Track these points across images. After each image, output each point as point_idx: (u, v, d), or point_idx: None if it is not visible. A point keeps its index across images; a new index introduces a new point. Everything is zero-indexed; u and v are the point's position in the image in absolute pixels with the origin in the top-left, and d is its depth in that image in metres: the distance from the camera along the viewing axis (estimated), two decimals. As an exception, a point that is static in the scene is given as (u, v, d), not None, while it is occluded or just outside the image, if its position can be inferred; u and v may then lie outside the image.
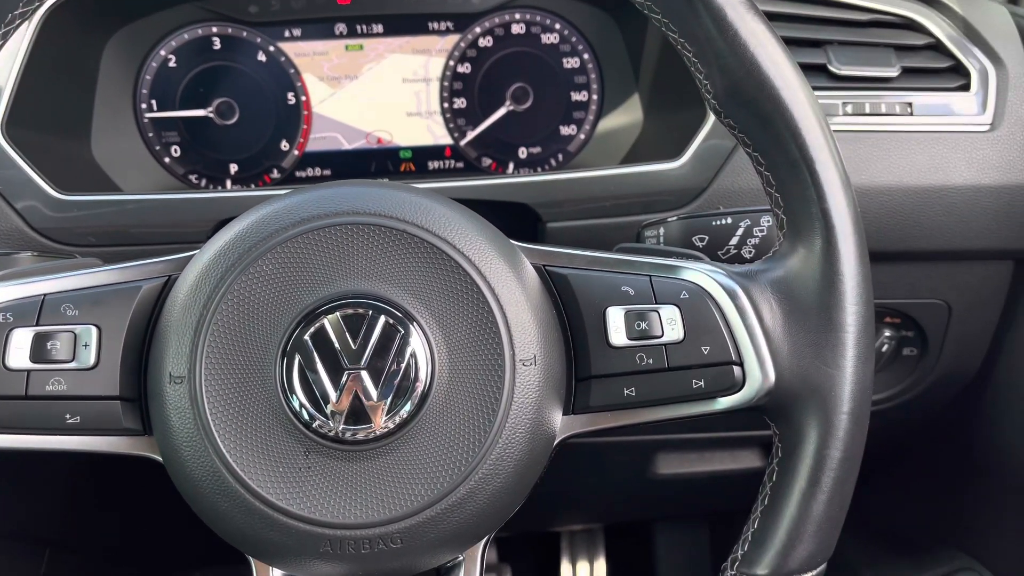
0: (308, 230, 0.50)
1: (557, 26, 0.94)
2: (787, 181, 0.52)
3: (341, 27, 0.92)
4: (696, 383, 0.52)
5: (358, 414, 0.49)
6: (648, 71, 0.91)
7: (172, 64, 0.90)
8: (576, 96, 0.96)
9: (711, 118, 0.80)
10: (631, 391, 0.53)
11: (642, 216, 0.80)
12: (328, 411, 0.49)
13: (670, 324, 0.52)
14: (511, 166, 0.97)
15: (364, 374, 0.49)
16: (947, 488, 1.08)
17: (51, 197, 0.77)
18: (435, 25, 0.93)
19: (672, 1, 0.50)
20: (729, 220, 0.66)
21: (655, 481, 1.08)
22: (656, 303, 0.53)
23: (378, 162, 0.95)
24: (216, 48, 0.91)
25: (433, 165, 0.96)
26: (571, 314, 0.54)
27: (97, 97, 0.87)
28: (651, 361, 0.52)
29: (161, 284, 0.54)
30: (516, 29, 0.94)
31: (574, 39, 0.95)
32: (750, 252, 0.65)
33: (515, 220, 0.82)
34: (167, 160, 0.92)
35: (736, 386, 0.52)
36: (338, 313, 0.49)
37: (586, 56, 0.95)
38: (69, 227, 0.78)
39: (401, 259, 0.51)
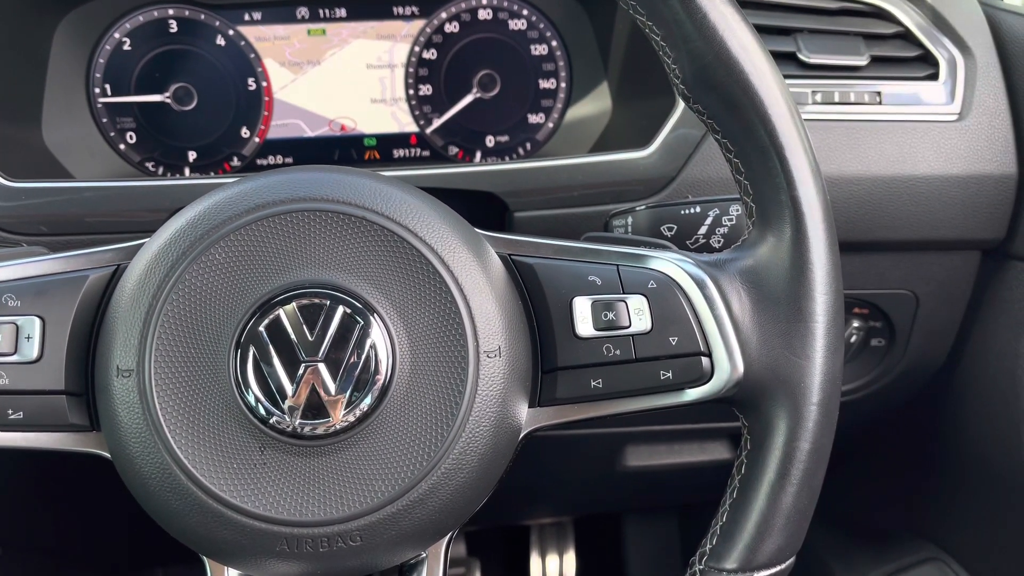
0: (263, 217, 0.49)
1: (525, 12, 0.92)
2: (756, 168, 0.51)
3: (303, 11, 0.89)
4: (664, 374, 0.51)
5: (315, 408, 0.47)
6: (617, 59, 0.90)
7: (127, 47, 0.87)
8: (544, 84, 0.94)
9: (680, 107, 0.79)
10: (598, 383, 0.52)
11: (611, 205, 0.79)
12: (284, 405, 0.47)
13: (637, 314, 0.51)
14: (478, 154, 0.95)
15: (322, 367, 0.47)
16: (914, 478, 1.08)
17: (-2, 184, 0.74)
18: (400, 10, 0.91)
19: None
20: (698, 209, 0.65)
21: (624, 473, 1.08)
22: (623, 293, 0.52)
23: (342, 150, 0.93)
24: (173, 31, 0.88)
25: (398, 153, 0.94)
26: (537, 304, 0.53)
27: (48, 81, 0.84)
28: (618, 352, 0.51)
29: (109, 274, 0.51)
30: (483, 15, 0.92)
31: (542, 25, 0.93)
32: (719, 241, 0.64)
33: (482, 209, 0.81)
34: (122, 147, 0.89)
35: (704, 377, 0.51)
36: (294, 303, 0.48)
37: (554, 43, 0.94)
38: (18, 216, 0.75)
39: (361, 247, 0.49)
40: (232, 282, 0.48)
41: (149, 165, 0.90)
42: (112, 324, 0.49)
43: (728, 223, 0.64)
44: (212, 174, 0.91)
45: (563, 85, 0.94)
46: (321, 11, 0.90)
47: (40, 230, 0.76)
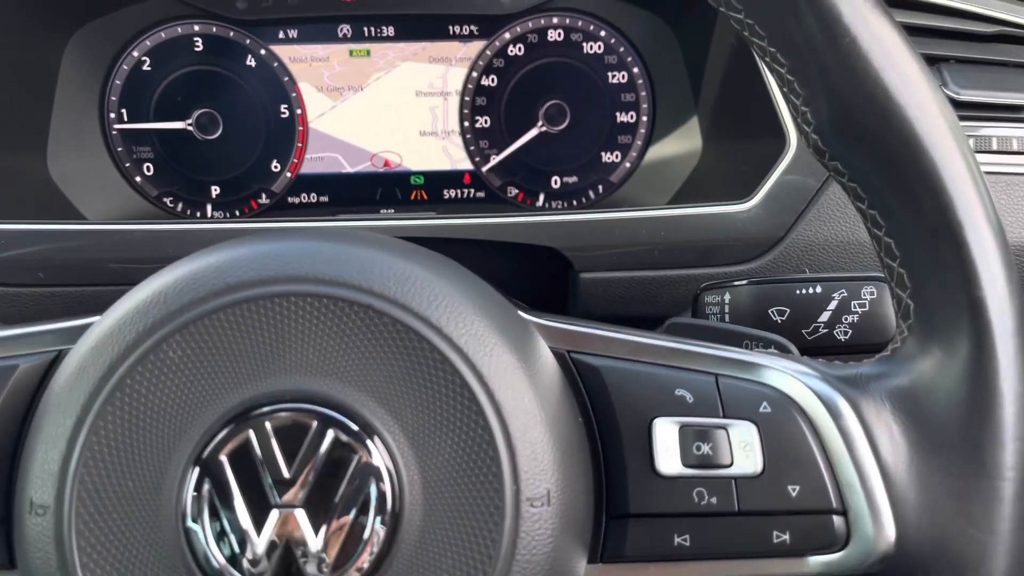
0: (233, 303, 0.36)
1: (602, 33, 0.79)
2: (919, 253, 0.37)
3: (345, 29, 0.78)
4: (778, 536, 0.37)
5: (290, 568, 0.34)
6: (711, 89, 0.76)
7: (146, 67, 0.77)
8: (622, 117, 0.81)
9: (791, 149, 0.64)
10: (684, 539, 0.38)
11: (699, 270, 0.65)
12: (246, 565, 0.34)
13: (743, 449, 0.38)
14: (541, 198, 0.82)
15: (300, 514, 0.34)
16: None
17: (-24, 225, 0.64)
18: (457, 29, 0.78)
19: None
20: (818, 289, 0.50)
21: None
22: (724, 416, 0.38)
23: (384, 188, 0.81)
24: (198, 50, 0.77)
25: (449, 194, 0.82)
26: (604, 426, 0.40)
27: (56, 104, 0.74)
28: (714, 500, 0.38)
29: (46, 362, 0.40)
30: (553, 36, 0.79)
31: (622, 49, 0.79)
32: (846, 332, 0.50)
33: (542, 266, 0.68)
34: (138, 179, 0.79)
35: (837, 543, 0.37)
36: (268, 422, 0.35)
37: (635, 70, 0.80)
38: (3, 262, 0.64)
39: (362, 347, 0.36)
40: (187, 390, 0.35)
41: (167, 201, 0.80)
42: (33, 439, 0.37)
43: (859, 309, 0.50)
44: (237, 213, 0.80)
45: (644, 119, 0.81)
46: (366, 29, 0.78)
47: (36, 279, 0.66)
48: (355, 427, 0.35)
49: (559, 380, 0.39)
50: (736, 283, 0.53)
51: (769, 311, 0.51)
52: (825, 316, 0.50)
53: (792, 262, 0.63)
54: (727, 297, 0.53)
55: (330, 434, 0.35)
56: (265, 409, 0.35)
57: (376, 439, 0.35)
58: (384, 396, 0.36)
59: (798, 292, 0.50)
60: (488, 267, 0.76)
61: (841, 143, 0.37)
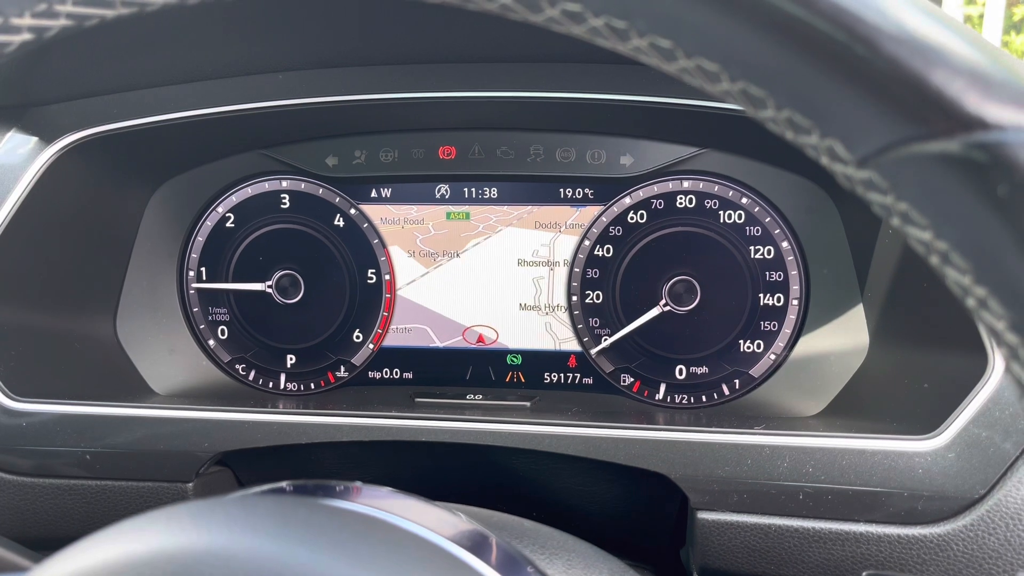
0: None
1: (744, 201, 0.66)
2: None
3: (443, 189, 0.69)
4: None
5: None
6: (883, 272, 0.60)
7: (229, 224, 0.71)
8: (766, 299, 0.66)
9: (996, 370, 0.48)
10: None
11: (860, 525, 0.48)
12: None
13: None
14: (662, 389, 0.68)
15: None
16: None
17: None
18: (568, 192, 0.68)
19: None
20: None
21: None
22: None
23: (476, 367, 0.70)
24: (284, 207, 0.70)
25: (550, 378, 0.69)
26: None
27: (132, 261, 0.69)
28: None
29: None
30: (682, 202, 0.66)
31: (768, 220, 0.66)
32: None
33: (653, 494, 0.53)
34: (211, 343, 0.72)
35: None
36: None
37: (784, 244, 0.66)
38: (24, 447, 0.57)
39: None
40: None
41: (240, 368, 0.72)
42: None
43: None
44: (312, 386, 0.71)
45: (794, 303, 0.66)
46: (466, 189, 0.69)
47: (72, 472, 0.58)
48: None
49: None
50: (915, 585, 0.37)
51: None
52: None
53: (996, 536, 0.45)
54: (901, 605, 0.37)
55: None
56: None
57: None
58: None
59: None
60: (590, 485, 0.62)
61: None
